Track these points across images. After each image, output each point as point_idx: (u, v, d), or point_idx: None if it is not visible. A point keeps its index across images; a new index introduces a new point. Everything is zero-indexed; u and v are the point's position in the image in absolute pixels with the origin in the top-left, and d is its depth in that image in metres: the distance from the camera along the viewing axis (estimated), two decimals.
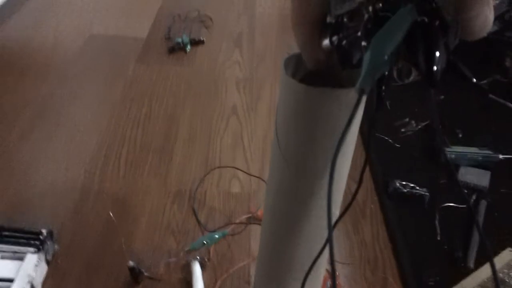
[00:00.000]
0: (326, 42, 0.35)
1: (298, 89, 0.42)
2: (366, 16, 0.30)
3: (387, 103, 1.38)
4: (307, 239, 0.53)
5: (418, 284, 0.91)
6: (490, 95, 1.40)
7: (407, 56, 0.29)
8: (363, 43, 0.31)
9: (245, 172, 1.15)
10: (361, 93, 0.30)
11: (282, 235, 0.54)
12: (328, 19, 0.35)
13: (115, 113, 1.32)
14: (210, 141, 1.25)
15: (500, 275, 0.93)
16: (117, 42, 1.69)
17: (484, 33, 0.28)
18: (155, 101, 1.39)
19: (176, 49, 1.65)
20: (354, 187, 1.11)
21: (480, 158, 1.17)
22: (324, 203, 0.50)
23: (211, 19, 1.86)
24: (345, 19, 0.33)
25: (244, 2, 2.06)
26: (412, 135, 1.27)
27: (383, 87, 0.30)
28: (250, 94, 1.45)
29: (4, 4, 1.82)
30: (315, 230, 0.53)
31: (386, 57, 0.28)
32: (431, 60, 0.28)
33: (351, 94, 0.41)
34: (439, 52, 0.28)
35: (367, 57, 0.29)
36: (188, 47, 1.65)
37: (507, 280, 0.91)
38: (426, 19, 0.28)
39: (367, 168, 1.19)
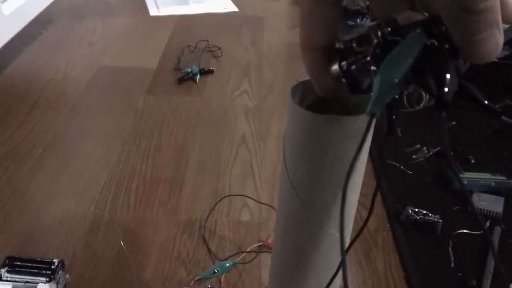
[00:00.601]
0: (335, 67, 0.35)
1: (304, 116, 0.42)
2: (375, 41, 0.31)
3: (398, 129, 1.38)
4: (317, 268, 0.53)
5: None
6: (503, 117, 1.39)
7: (417, 79, 0.29)
8: (372, 68, 0.31)
9: (255, 200, 1.15)
10: (371, 117, 0.30)
11: (292, 263, 0.54)
12: (337, 45, 0.35)
13: (125, 147, 1.33)
14: (220, 170, 1.26)
15: None
16: (127, 73, 1.71)
17: (493, 57, 0.28)
18: (164, 132, 1.40)
19: (185, 79, 1.66)
20: (365, 214, 1.11)
21: (493, 184, 1.16)
22: (333, 231, 0.50)
23: (220, 49, 1.88)
24: (353, 44, 0.33)
25: (253, 32, 2.09)
26: (423, 162, 1.26)
27: (394, 112, 0.30)
28: (259, 123, 1.46)
29: (16, 38, 1.86)
30: (325, 258, 0.52)
31: (396, 81, 0.28)
32: (441, 81, 0.28)
33: (358, 121, 0.41)
34: (450, 74, 0.28)
35: (377, 81, 0.29)
36: (198, 76, 1.67)
37: None
38: (435, 42, 0.28)
39: (379, 196, 1.18)
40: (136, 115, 1.47)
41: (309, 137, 0.44)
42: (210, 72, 1.73)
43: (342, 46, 0.35)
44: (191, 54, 1.85)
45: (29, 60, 1.79)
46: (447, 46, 0.28)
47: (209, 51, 1.89)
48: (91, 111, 1.49)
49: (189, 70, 1.69)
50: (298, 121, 0.44)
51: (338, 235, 0.50)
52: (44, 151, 1.29)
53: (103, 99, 1.56)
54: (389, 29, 0.31)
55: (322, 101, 0.48)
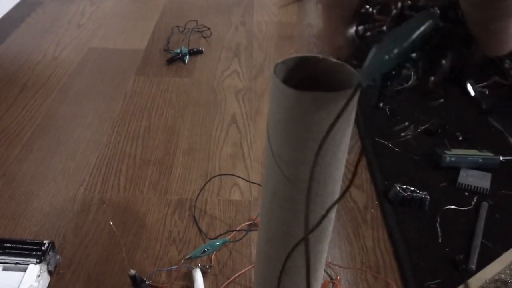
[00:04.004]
0: (351, 30, 0.35)
1: (288, 93, 0.42)
2: (393, 11, 0.31)
3: (386, 108, 1.38)
4: (302, 244, 0.53)
5: (419, 287, 0.91)
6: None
7: (415, 59, 0.28)
8: None
9: (245, 180, 1.16)
10: (356, 87, 0.30)
11: (278, 240, 0.55)
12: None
13: (114, 129, 1.33)
14: (210, 151, 1.26)
15: (502, 276, 0.93)
16: (116, 55, 1.70)
17: (506, 50, 0.27)
18: (154, 114, 1.39)
19: (175, 60, 1.66)
20: (354, 191, 1.12)
21: (481, 161, 1.17)
22: (318, 208, 0.50)
23: (209, 29, 1.88)
24: (374, 11, 0.33)
25: (242, 12, 2.08)
26: (411, 139, 1.27)
27: (387, 85, 0.29)
28: (249, 103, 1.46)
29: (4, 20, 1.85)
30: (311, 234, 0.53)
31: (392, 55, 0.28)
32: (431, 67, 0.27)
33: (342, 98, 0.41)
34: (443, 64, 0.27)
35: (372, 52, 0.29)
36: (187, 57, 1.66)
37: (510, 281, 0.91)
38: (448, 26, 0.28)
39: (367, 173, 1.19)
40: (126, 97, 1.47)
41: (292, 114, 0.44)
42: (200, 52, 1.72)
43: (363, 11, 0.34)
44: (180, 35, 1.84)
45: (17, 42, 1.78)
46: (460, 32, 0.27)
47: (199, 31, 1.88)
48: (80, 93, 1.49)
49: (179, 51, 1.68)
50: (281, 98, 0.44)
51: (322, 212, 0.50)
52: (34, 133, 1.29)
53: (93, 81, 1.55)
54: (409, 2, 0.30)
55: (306, 80, 0.48)
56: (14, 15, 1.96)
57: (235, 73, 1.63)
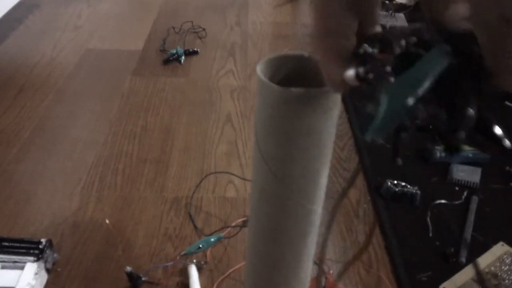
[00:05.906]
0: (350, 72, 0.31)
1: (272, 90, 0.44)
2: (397, 49, 0.28)
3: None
4: (290, 238, 0.55)
5: (410, 280, 0.93)
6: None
7: (432, 105, 0.25)
8: (391, 79, 0.27)
9: (240, 177, 1.17)
10: (371, 143, 0.27)
11: (266, 234, 0.56)
12: (358, 49, 0.31)
13: (111, 128, 1.34)
14: (205, 149, 1.28)
15: (492, 269, 0.94)
16: (113, 56, 1.72)
17: None
18: (151, 113, 1.41)
19: (171, 60, 1.67)
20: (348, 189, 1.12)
21: (471, 155, 1.19)
22: (304, 202, 0.51)
23: (204, 30, 1.89)
24: (375, 50, 0.29)
25: (237, 12, 2.09)
26: None
27: (402, 137, 0.27)
28: (244, 102, 1.48)
29: (2, 22, 1.86)
30: (298, 228, 0.54)
31: (409, 104, 0.25)
32: (456, 122, 0.25)
33: (327, 94, 0.43)
34: (469, 113, 0.25)
35: (383, 102, 0.26)
36: (183, 57, 1.68)
37: (500, 274, 0.93)
38: (462, 63, 0.25)
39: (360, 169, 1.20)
40: (123, 97, 1.49)
41: (277, 111, 0.45)
42: (195, 53, 1.74)
43: (362, 51, 0.30)
44: (176, 36, 1.86)
45: (15, 44, 1.79)
46: (476, 70, 0.25)
47: (194, 32, 1.89)
48: (77, 94, 1.50)
49: (174, 51, 1.70)
50: (267, 95, 0.45)
51: (308, 207, 0.52)
52: (32, 134, 1.31)
53: (90, 82, 1.57)
54: (415, 39, 0.27)
55: (292, 77, 0.49)
56: (12, 18, 1.98)
57: (230, 72, 1.64)
